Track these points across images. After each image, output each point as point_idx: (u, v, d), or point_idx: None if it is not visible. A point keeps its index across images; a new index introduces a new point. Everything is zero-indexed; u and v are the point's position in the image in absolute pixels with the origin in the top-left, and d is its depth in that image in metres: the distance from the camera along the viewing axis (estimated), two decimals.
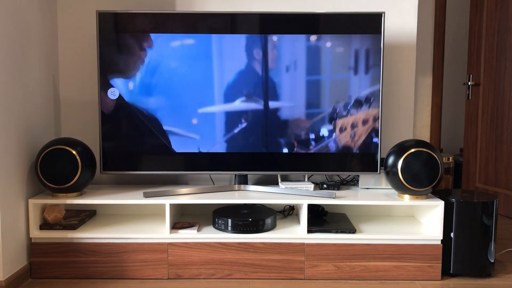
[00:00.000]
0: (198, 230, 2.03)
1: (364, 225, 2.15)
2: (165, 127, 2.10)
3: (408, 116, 2.44)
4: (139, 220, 2.20)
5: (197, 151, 2.12)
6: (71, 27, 2.35)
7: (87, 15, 2.34)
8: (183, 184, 2.42)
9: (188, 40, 2.07)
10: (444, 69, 3.92)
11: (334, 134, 2.12)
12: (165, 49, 2.07)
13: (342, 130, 2.12)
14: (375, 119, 2.11)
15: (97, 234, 1.99)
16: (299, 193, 2.10)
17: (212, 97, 2.09)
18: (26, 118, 2.00)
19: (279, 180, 2.26)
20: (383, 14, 2.08)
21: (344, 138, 2.12)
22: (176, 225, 2.07)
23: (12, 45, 1.88)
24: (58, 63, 2.36)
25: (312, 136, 2.12)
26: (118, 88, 2.09)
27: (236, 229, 2.00)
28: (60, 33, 2.35)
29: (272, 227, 2.07)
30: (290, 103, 2.10)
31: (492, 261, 2.03)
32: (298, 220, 2.19)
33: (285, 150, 2.12)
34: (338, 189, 2.23)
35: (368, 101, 2.11)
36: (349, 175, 2.37)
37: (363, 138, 2.12)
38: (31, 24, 2.05)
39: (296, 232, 2.02)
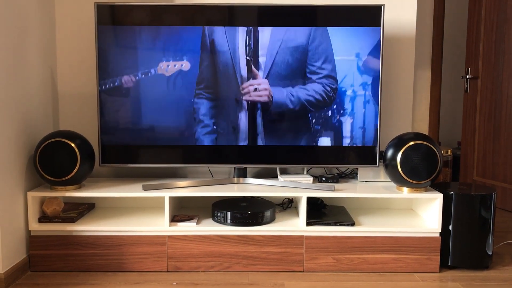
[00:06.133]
0: (197, 223, 2.04)
1: (363, 218, 2.15)
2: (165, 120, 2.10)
3: (407, 109, 2.45)
4: (138, 213, 2.20)
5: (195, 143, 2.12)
6: (69, 20, 2.33)
7: (85, 7, 2.33)
8: (182, 177, 2.41)
9: (188, 33, 2.06)
10: (443, 62, 3.92)
11: (333, 127, 2.12)
12: (164, 42, 2.06)
13: (341, 123, 2.12)
14: (375, 111, 2.11)
15: (96, 227, 1.99)
16: (298, 186, 2.10)
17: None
18: (24, 111, 2.00)
19: (278, 173, 2.26)
20: (382, 7, 2.07)
21: (343, 131, 2.12)
22: (175, 218, 2.07)
23: (10, 38, 1.87)
24: (56, 56, 2.35)
25: (311, 128, 2.12)
26: (117, 81, 2.08)
27: (235, 222, 2.01)
28: (58, 26, 2.34)
29: (271, 219, 2.07)
30: (289, 97, 2.10)
31: (490, 253, 2.04)
32: (297, 213, 2.20)
33: (285, 143, 2.12)
34: (337, 182, 2.23)
35: (367, 94, 2.11)
36: (348, 168, 2.38)
37: (362, 130, 2.12)
38: (29, 17, 2.03)
39: (295, 225, 2.03)
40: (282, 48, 2.08)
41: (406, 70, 2.42)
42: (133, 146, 2.12)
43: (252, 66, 2.07)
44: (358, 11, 2.07)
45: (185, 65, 2.06)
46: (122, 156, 2.13)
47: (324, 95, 2.09)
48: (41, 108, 2.17)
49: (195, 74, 2.08)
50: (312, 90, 2.09)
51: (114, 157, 2.13)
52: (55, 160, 1.97)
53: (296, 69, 2.09)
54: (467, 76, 3.34)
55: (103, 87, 2.09)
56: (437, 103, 3.83)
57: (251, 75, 2.08)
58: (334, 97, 2.11)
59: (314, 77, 2.09)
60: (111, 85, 2.09)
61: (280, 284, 1.90)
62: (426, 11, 3.74)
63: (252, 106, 2.09)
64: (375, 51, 2.09)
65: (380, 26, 2.07)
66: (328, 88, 2.10)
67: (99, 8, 2.05)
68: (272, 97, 2.09)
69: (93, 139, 2.37)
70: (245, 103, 2.09)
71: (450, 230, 2.01)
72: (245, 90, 2.06)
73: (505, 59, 3.05)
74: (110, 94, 2.09)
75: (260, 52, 2.08)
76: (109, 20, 2.06)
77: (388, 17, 2.38)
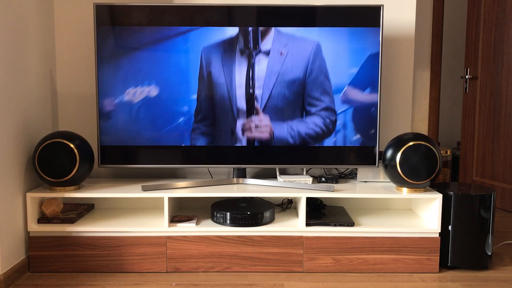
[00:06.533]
0: (196, 224, 2.03)
1: (363, 218, 2.15)
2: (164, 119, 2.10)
3: (407, 109, 2.44)
4: (138, 214, 2.19)
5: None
6: (68, 20, 2.33)
7: (84, 8, 2.33)
8: (181, 177, 2.41)
9: (181, 33, 2.06)
10: (442, 62, 3.93)
11: (332, 127, 2.12)
12: (163, 41, 2.06)
13: (340, 123, 2.12)
14: (374, 112, 2.11)
15: (95, 227, 1.99)
16: (297, 186, 2.10)
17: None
18: (23, 112, 1.99)
19: (278, 174, 2.26)
20: (381, 7, 2.07)
21: (342, 132, 2.12)
22: (174, 219, 2.07)
23: (9, 39, 1.87)
24: (55, 57, 2.34)
25: (310, 129, 2.12)
26: (115, 82, 2.08)
27: (235, 223, 2.00)
28: (57, 27, 2.33)
29: (271, 220, 2.07)
30: (288, 95, 2.10)
31: (490, 253, 2.04)
32: (296, 214, 2.20)
33: (284, 143, 2.12)
34: (337, 182, 2.23)
35: (366, 94, 2.11)
36: (348, 169, 2.37)
37: (361, 131, 2.12)
38: (28, 18, 2.03)
39: (294, 225, 2.02)
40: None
41: (406, 70, 2.42)
42: (132, 146, 2.12)
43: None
44: (357, 11, 2.07)
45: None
46: (121, 157, 2.13)
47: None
48: (40, 108, 2.17)
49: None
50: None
51: (113, 157, 2.13)
52: (54, 160, 1.96)
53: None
54: (466, 76, 3.34)
55: (102, 88, 2.08)
56: (437, 103, 3.83)
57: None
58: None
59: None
60: (110, 86, 2.09)
61: (280, 284, 1.90)
62: (425, 11, 3.75)
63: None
64: (375, 52, 2.08)
65: (380, 26, 2.07)
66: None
67: (98, 8, 2.05)
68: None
69: (92, 140, 2.37)
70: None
71: (449, 231, 2.01)
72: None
73: (504, 59, 3.05)
74: (109, 95, 2.09)
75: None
76: (109, 21, 2.05)
77: (387, 18, 2.38)
